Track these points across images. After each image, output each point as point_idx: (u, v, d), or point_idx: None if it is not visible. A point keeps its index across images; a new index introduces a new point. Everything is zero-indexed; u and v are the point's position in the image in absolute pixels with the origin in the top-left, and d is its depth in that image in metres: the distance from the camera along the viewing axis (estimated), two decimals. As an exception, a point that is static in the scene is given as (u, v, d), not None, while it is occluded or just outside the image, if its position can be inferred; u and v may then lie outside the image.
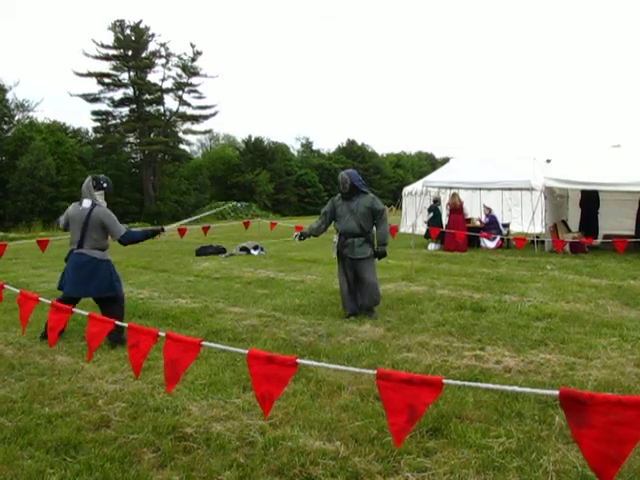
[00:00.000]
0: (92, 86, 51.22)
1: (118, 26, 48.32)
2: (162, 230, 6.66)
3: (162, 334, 2.64)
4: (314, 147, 72.65)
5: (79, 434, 3.73)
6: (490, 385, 2.15)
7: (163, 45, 50.29)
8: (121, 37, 48.53)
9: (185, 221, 9.04)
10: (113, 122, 51.84)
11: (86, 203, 6.04)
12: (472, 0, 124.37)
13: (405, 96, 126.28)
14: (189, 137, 58.43)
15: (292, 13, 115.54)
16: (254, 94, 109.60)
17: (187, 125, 55.64)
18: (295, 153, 70.16)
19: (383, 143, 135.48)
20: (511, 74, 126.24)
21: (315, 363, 2.42)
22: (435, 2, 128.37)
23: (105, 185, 6.19)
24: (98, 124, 51.73)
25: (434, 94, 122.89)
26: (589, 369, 4.69)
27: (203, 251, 14.48)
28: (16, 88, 44.42)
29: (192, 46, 51.18)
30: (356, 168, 7.90)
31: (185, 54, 50.98)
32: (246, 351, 2.27)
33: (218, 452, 3.45)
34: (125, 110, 51.85)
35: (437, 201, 14.92)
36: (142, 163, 53.23)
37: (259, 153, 62.79)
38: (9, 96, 47.32)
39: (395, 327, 6.32)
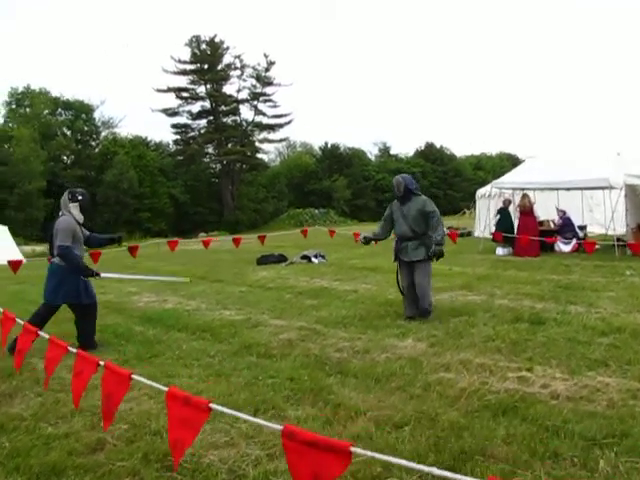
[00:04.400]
0: (171, 101, 53.09)
1: (194, 42, 49.95)
2: (97, 274, 6.28)
3: (102, 363, 2.32)
4: (392, 151, 71.79)
5: (69, 458, 3.53)
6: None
7: (238, 57, 51.52)
8: (197, 52, 50.09)
9: (119, 276, 8.32)
10: (192, 134, 53.49)
11: (60, 215, 6.20)
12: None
13: (485, 96, 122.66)
14: (265, 146, 59.37)
15: (363, 17, 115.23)
16: (330, 101, 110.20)
17: (264, 134, 56.50)
18: (372, 158, 69.57)
19: (463, 145, 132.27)
20: (596, 66, 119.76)
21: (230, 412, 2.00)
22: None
23: (80, 198, 6.22)
24: (178, 137, 53.59)
25: (516, 92, 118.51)
26: (656, 398, 3.99)
27: (264, 260, 14.34)
28: (102, 107, 46.56)
29: (265, 56, 52.08)
30: (410, 173, 7.51)
31: (259, 64, 51.95)
32: (166, 388, 1.91)
33: (200, 487, 3.12)
34: (203, 122, 53.46)
35: (507, 203, 14.02)
36: (220, 173, 54.61)
37: (336, 159, 62.79)
38: (96, 114, 50.02)
39: (440, 342, 5.78)
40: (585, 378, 4.42)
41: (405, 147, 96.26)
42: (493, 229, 13.99)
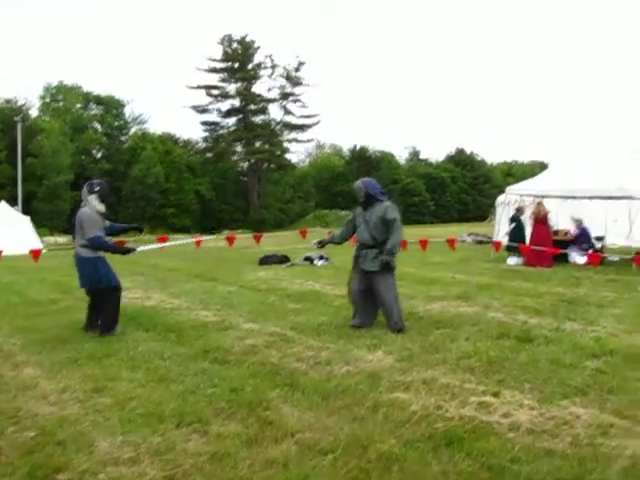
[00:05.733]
0: (202, 98, 53.20)
1: (226, 40, 49.98)
2: (133, 250, 7.00)
3: None
4: (421, 156, 70.84)
5: (-52, 472, 3.16)
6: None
7: (269, 56, 51.38)
8: (229, 51, 50.14)
9: (151, 247, 8.55)
10: (221, 132, 53.57)
11: (82, 207, 6.35)
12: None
13: (520, 102, 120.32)
14: (294, 146, 59.24)
15: (393, 21, 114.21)
16: (360, 103, 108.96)
17: (292, 134, 56.30)
18: (402, 162, 68.78)
19: (494, 151, 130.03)
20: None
21: None
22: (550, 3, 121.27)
23: (97, 188, 6.33)
24: (207, 134, 53.73)
25: (551, 99, 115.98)
26: (630, 437, 3.42)
27: (266, 260, 13.95)
28: (132, 103, 47.11)
29: (296, 56, 51.83)
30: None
31: (289, 64, 51.71)
32: None
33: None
34: (232, 120, 53.50)
35: (520, 210, 13.33)
36: (248, 171, 54.58)
37: (364, 162, 62.29)
38: (126, 110, 50.51)
39: (410, 357, 5.27)
40: (555, 408, 3.87)
41: (435, 152, 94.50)
42: (506, 237, 13.29)
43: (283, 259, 13.96)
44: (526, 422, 3.63)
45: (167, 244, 9.47)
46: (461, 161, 65.56)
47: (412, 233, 27.53)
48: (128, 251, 6.85)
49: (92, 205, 6.25)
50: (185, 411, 3.97)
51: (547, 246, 11.80)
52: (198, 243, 10.96)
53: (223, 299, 8.77)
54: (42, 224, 35.17)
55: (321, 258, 13.64)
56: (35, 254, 9.10)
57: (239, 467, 3.14)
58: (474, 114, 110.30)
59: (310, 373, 4.88)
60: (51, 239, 31.87)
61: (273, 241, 25.35)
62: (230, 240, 10.80)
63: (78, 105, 48.34)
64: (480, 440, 3.37)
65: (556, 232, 13.10)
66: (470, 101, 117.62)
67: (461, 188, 64.19)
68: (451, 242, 10.24)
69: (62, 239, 32.07)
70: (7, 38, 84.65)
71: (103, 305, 6.45)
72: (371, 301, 6.52)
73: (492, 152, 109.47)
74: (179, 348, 5.79)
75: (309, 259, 13.63)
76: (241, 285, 10.32)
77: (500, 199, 18.75)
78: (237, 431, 3.61)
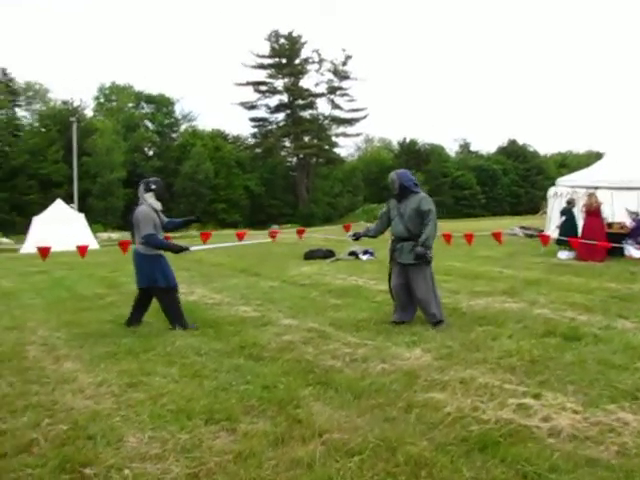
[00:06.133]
0: (250, 94, 53.69)
1: (273, 36, 50.24)
2: (187, 249, 6.99)
3: None
4: (472, 148, 69.45)
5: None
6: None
7: (316, 51, 51.39)
8: (276, 46, 50.40)
9: (206, 247, 8.68)
10: (269, 127, 53.95)
11: (139, 204, 6.47)
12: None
13: (574, 90, 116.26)
14: (341, 140, 59.15)
15: (440, 9, 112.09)
16: (410, 96, 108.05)
17: (340, 128, 56.18)
18: (452, 155, 67.64)
19: (548, 142, 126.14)
20: None
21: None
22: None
23: (153, 187, 6.45)
24: (256, 130, 54.23)
25: (608, 85, 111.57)
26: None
27: (311, 255, 13.91)
28: (182, 101, 48.09)
29: (343, 50, 51.65)
30: (413, 170, 6.94)
31: (336, 58, 51.58)
32: None
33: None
34: (280, 116, 53.87)
35: (571, 203, 12.79)
36: (296, 166, 54.85)
37: (413, 155, 61.64)
38: (176, 108, 51.47)
39: (449, 355, 5.09)
40: (601, 412, 3.63)
41: (487, 144, 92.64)
42: (556, 230, 12.77)
43: (328, 253, 13.89)
44: (568, 427, 3.41)
45: (220, 245, 9.49)
46: (513, 152, 63.97)
47: (461, 227, 27.05)
48: (182, 249, 6.83)
49: (149, 203, 6.34)
50: (215, 408, 3.93)
51: (599, 239, 11.27)
52: (240, 236, 10.95)
53: (264, 294, 8.77)
54: (96, 220, 36.32)
55: (366, 252, 13.50)
56: (81, 250, 9.29)
57: (263, 467, 3.08)
58: (527, 104, 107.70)
59: (345, 371, 4.78)
60: (104, 235, 32.84)
61: (320, 235, 25.40)
62: (273, 235, 10.78)
63: (130, 104, 49.63)
64: (516, 445, 3.19)
65: (610, 225, 12.50)
66: (523, 90, 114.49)
67: (513, 180, 62.67)
68: (497, 235, 9.90)
69: (115, 235, 33.00)
70: (65, 41, 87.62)
71: (161, 305, 6.52)
72: (410, 296, 6.38)
73: (545, 143, 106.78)
74: (216, 344, 5.79)
75: (354, 253, 13.50)
76: (284, 280, 10.30)
77: (551, 191, 18.15)
78: (265, 430, 3.55)
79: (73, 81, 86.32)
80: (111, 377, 4.77)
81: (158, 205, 6.44)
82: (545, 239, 10.50)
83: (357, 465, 3.04)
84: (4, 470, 3.16)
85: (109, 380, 4.70)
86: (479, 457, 3.08)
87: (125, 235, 31.18)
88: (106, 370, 4.98)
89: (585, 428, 3.42)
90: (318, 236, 20.27)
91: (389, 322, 6.42)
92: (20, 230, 30.06)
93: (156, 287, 6.40)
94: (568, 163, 63.82)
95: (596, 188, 12.45)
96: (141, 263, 6.41)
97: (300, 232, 11.63)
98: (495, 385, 4.23)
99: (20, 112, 47.22)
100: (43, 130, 42.86)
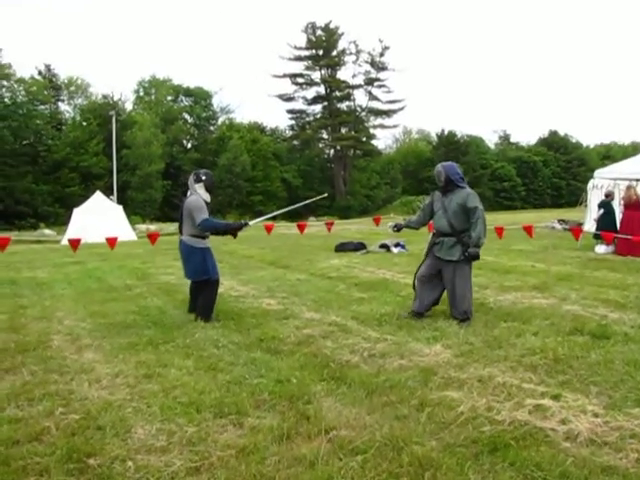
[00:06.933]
0: (287, 86, 53.73)
1: (310, 28, 50.07)
2: (246, 224, 6.77)
3: None
4: (512, 139, 68.00)
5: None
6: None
7: (353, 42, 51.00)
8: (313, 38, 50.24)
9: (269, 215, 8.69)
10: (307, 119, 53.88)
11: (188, 195, 6.46)
12: None
13: (618, 79, 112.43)
14: (379, 132, 58.72)
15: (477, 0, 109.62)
16: (448, 87, 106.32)
17: (378, 120, 55.70)
18: (492, 146, 66.40)
19: (591, 133, 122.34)
20: None
21: None
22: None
23: (204, 178, 6.46)
24: (293, 122, 54.23)
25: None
26: None
27: (342, 247, 13.82)
28: (220, 93, 48.45)
29: (380, 41, 51.14)
30: (453, 162, 6.73)
31: (374, 49, 51.12)
32: None
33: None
34: (318, 108, 53.71)
35: (610, 195, 12.34)
36: (333, 158, 54.68)
37: (452, 146, 60.60)
38: (214, 101, 51.87)
39: (470, 352, 4.96)
40: (623, 416, 3.45)
41: (527, 135, 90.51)
42: (594, 224, 12.35)
43: (359, 246, 13.78)
44: (585, 431, 3.26)
45: (272, 214, 9.34)
46: (554, 144, 62.36)
47: (501, 219, 26.53)
48: (241, 226, 6.69)
49: (199, 193, 6.35)
50: (225, 402, 3.91)
51: (638, 234, 10.85)
52: (301, 227, 10.89)
53: (290, 287, 8.74)
54: (136, 212, 36.98)
55: (397, 245, 13.34)
56: (111, 242, 9.42)
57: (265, 463, 3.03)
58: (568, 94, 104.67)
59: (361, 366, 4.70)
60: (143, 227, 33.35)
61: (355, 228, 25.23)
62: (301, 227, 10.74)
63: (169, 97, 50.25)
64: (528, 449, 3.06)
65: (649, 217, 12.01)
66: (565, 80, 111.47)
67: (554, 172, 61.14)
68: (528, 229, 9.59)
69: (153, 227, 33.46)
70: (106, 37, 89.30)
71: (201, 295, 6.50)
72: (430, 290, 6.28)
73: (588, 134, 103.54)
74: (235, 336, 5.78)
75: (385, 246, 13.36)
76: (312, 273, 10.26)
77: (590, 183, 17.59)
78: (272, 425, 3.50)
79: (114, 76, 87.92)
80: (128, 368, 4.80)
81: (207, 196, 6.45)
82: (577, 232, 10.11)
83: (360, 464, 2.96)
84: (13, 458, 3.19)
85: (125, 371, 4.73)
86: (488, 460, 2.97)
87: (162, 227, 31.69)
88: (124, 361, 5.02)
89: (604, 433, 3.26)
90: (352, 228, 20.18)
91: (408, 312, 6.36)
92: (62, 222, 30.82)
93: (205, 279, 6.39)
94: (612, 154, 61.87)
95: (637, 180, 11.97)
96: (190, 255, 6.39)
97: (329, 224, 11.51)
98: (514, 384, 4.09)
99: (62, 106, 48.40)
100: (84, 124, 43.75)
